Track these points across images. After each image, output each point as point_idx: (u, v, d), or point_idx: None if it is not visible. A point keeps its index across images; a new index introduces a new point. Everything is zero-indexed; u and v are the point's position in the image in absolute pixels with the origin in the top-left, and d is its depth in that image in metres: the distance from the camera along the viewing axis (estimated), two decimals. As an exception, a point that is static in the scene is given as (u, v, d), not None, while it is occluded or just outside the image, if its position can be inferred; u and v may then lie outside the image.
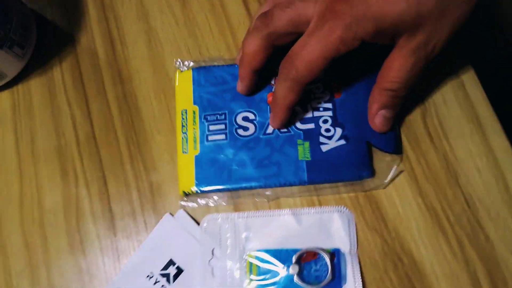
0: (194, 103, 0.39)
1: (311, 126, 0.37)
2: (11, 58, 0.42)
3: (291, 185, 0.36)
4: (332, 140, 0.37)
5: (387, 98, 0.34)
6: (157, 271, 0.37)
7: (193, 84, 0.40)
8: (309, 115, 0.38)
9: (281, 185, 0.37)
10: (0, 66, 0.41)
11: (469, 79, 0.38)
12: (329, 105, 0.38)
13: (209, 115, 0.39)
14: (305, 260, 0.35)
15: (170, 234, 0.38)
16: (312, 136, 0.37)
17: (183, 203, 0.38)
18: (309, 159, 0.36)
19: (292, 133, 0.37)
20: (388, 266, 0.35)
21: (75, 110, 0.43)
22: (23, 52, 0.42)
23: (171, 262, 0.37)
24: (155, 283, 0.37)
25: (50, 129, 0.42)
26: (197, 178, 0.37)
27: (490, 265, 0.34)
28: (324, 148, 0.37)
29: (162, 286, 0.37)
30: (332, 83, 0.38)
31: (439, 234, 0.35)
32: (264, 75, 0.38)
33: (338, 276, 0.35)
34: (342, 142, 0.36)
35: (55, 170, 0.41)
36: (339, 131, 0.37)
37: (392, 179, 0.36)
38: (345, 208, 0.36)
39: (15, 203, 0.41)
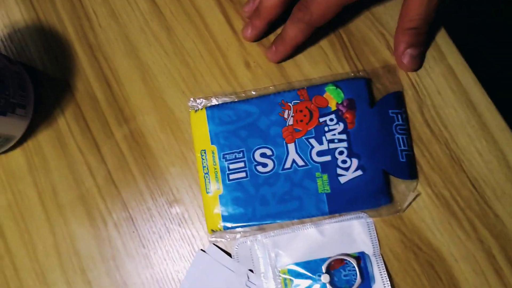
0: (212, 142, 0.41)
1: (327, 158, 0.39)
2: (16, 120, 0.43)
3: (312, 217, 0.39)
4: (349, 171, 0.38)
5: (410, 37, 0.36)
6: (202, 306, 0.40)
7: (208, 123, 0.41)
8: (325, 147, 0.39)
9: (303, 218, 0.39)
10: (8, 131, 0.42)
11: (459, 66, 0.39)
12: (344, 136, 0.39)
13: (228, 153, 0.40)
14: (334, 267, 0.38)
15: (206, 268, 0.40)
16: (330, 168, 0.39)
17: (212, 239, 0.40)
18: (329, 191, 0.38)
19: (310, 166, 0.39)
20: (410, 257, 0.38)
21: (88, 156, 0.44)
22: (25, 111, 0.44)
23: (212, 296, 0.40)
24: (202, 318, 0.40)
25: (69, 179, 0.44)
26: (223, 217, 0.40)
27: (502, 240, 0.37)
28: (342, 179, 0.38)
29: (209, 320, 0.40)
30: (345, 114, 0.39)
31: (451, 219, 0.38)
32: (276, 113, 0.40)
33: (366, 277, 0.38)
34: (359, 172, 0.38)
35: (82, 217, 0.43)
36: (355, 161, 0.38)
37: (409, 204, 0.38)
38: (363, 213, 0.38)
39: (53, 255, 0.43)
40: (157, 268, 0.42)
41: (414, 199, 0.38)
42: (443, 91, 0.39)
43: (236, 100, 0.41)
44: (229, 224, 0.39)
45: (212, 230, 0.40)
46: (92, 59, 0.45)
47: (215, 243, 0.41)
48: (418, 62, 0.38)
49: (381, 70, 0.40)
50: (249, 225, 0.39)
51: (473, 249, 0.37)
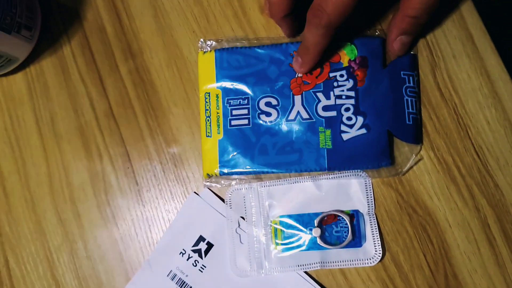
0: (217, 86, 0.40)
1: (333, 113, 0.38)
2: (20, 41, 0.42)
3: (311, 171, 0.38)
4: (353, 129, 0.38)
5: (408, 24, 0.35)
6: (188, 248, 0.40)
7: (216, 67, 0.40)
8: (331, 102, 0.38)
9: (301, 171, 0.38)
10: (11, 50, 0.41)
11: (478, 31, 0.38)
12: (352, 93, 0.38)
13: (232, 99, 0.40)
14: (326, 223, 0.38)
15: (197, 211, 0.40)
16: (334, 124, 0.38)
17: (207, 183, 0.40)
18: (330, 147, 0.38)
19: (314, 120, 0.38)
20: (404, 218, 0.37)
21: (90, 88, 0.43)
22: (31, 34, 0.43)
23: (201, 238, 0.39)
24: (188, 259, 0.39)
25: (69, 109, 0.43)
26: (220, 162, 0.39)
27: (499, 211, 0.36)
28: (345, 136, 0.38)
29: (195, 261, 0.39)
30: (356, 71, 0.38)
31: (450, 185, 0.37)
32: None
33: (358, 235, 0.37)
34: (363, 131, 0.37)
35: (78, 148, 0.43)
36: (360, 119, 0.38)
37: (410, 168, 0.38)
38: (362, 172, 0.38)
39: (45, 183, 0.43)
40: (148, 206, 0.41)
41: (415, 163, 0.38)
42: (459, 55, 0.38)
43: (247, 45, 0.40)
44: (225, 170, 0.39)
45: (208, 175, 0.39)
46: (104, -10, 0.44)
47: (210, 188, 0.40)
48: (406, 49, 0.37)
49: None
50: (245, 173, 0.39)
51: (469, 217, 0.37)
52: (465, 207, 0.37)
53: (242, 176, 0.39)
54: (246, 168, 0.39)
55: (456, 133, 0.38)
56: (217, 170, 0.39)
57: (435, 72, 0.38)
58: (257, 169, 0.38)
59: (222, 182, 0.40)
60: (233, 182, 0.40)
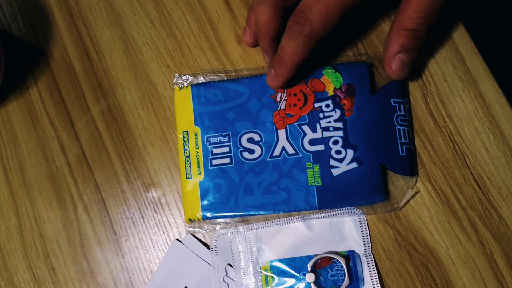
0: (196, 124, 0.37)
1: (320, 147, 0.36)
2: (-17, 86, 0.39)
3: (300, 211, 0.35)
4: (344, 163, 0.35)
5: (406, 39, 0.32)
6: (173, 300, 0.36)
7: (193, 103, 0.37)
8: (318, 135, 0.36)
9: (290, 211, 0.35)
10: (-28, 97, 0.38)
11: (469, 52, 0.36)
12: (340, 125, 0.36)
13: (212, 137, 0.37)
14: (320, 266, 0.35)
15: (181, 260, 0.37)
16: (322, 159, 0.35)
17: (189, 229, 0.37)
18: (320, 184, 0.35)
19: (301, 155, 0.36)
20: (404, 258, 0.35)
21: (60, 132, 0.40)
22: (-6, 77, 0.40)
23: (186, 290, 0.37)
24: (173, 313, 0.36)
25: (38, 155, 0.40)
26: (202, 205, 0.36)
27: (505, 244, 0.34)
28: (335, 172, 0.35)
29: (181, 314, 0.36)
30: (343, 101, 0.36)
31: (451, 219, 0.35)
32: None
33: (355, 278, 0.34)
34: (354, 165, 0.35)
35: (50, 197, 0.40)
36: (350, 153, 0.35)
37: (407, 202, 0.35)
38: (356, 209, 0.35)
39: (15, 237, 0.39)
40: (128, 257, 0.38)
41: (412, 197, 0.35)
42: (450, 78, 0.36)
43: (225, 79, 0.38)
44: (208, 214, 0.36)
45: (190, 220, 0.36)
46: (71, 26, 0.42)
47: (193, 234, 0.37)
48: (407, 70, 0.33)
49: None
50: (230, 216, 0.36)
51: (473, 252, 0.34)
52: (469, 242, 0.34)
53: (227, 220, 0.36)
54: (231, 211, 0.36)
55: (453, 162, 0.35)
56: (199, 215, 0.36)
57: (427, 98, 0.36)
58: (243, 212, 0.36)
59: (206, 227, 0.37)
60: (218, 227, 0.37)
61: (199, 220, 0.36)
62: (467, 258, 0.34)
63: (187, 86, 0.38)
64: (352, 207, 0.35)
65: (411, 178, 0.35)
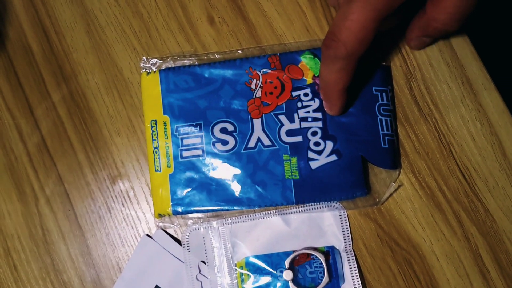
0: (164, 112, 0.34)
1: (298, 139, 0.33)
2: None
3: (277, 205, 0.33)
4: (322, 156, 0.33)
5: (434, 31, 0.30)
6: (142, 301, 0.34)
7: (162, 89, 0.34)
8: (296, 126, 0.33)
9: (265, 206, 0.33)
10: None
11: (456, 37, 0.33)
12: (319, 115, 0.33)
13: (182, 126, 0.34)
14: (299, 263, 0.33)
15: (151, 257, 0.35)
16: (300, 151, 0.33)
17: (159, 224, 0.34)
18: (297, 177, 0.33)
19: (277, 147, 0.33)
20: (386, 253, 0.33)
21: (18, 119, 0.37)
22: None
23: (157, 289, 0.34)
24: (142, 315, 0.34)
25: (-5, 145, 0.37)
26: (173, 200, 0.34)
27: (491, 239, 0.32)
28: (314, 164, 0.33)
29: (151, 316, 0.34)
30: None
31: (435, 212, 0.33)
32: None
33: (335, 276, 0.33)
34: (334, 158, 0.33)
35: (9, 189, 0.37)
36: (330, 145, 0.33)
37: (389, 196, 0.33)
38: (336, 203, 0.33)
39: (-28, 233, 0.37)
40: (95, 253, 0.36)
41: (395, 191, 0.33)
42: (436, 63, 0.34)
43: (196, 63, 0.35)
44: (179, 209, 0.34)
45: (160, 215, 0.34)
46: (28, 3, 0.38)
47: (164, 229, 0.35)
48: (425, 46, 0.33)
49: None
50: (202, 211, 0.34)
51: (458, 248, 0.32)
52: (454, 237, 0.32)
53: (199, 215, 0.34)
54: (203, 206, 0.33)
55: (438, 153, 0.33)
56: (170, 209, 0.34)
57: (411, 84, 0.34)
58: (216, 207, 0.33)
59: (177, 222, 0.35)
60: (190, 222, 0.34)
61: (169, 215, 0.34)
62: (451, 254, 0.32)
63: (155, 71, 0.35)
64: (332, 201, 0.33)
65: (394, 171, 0.33)
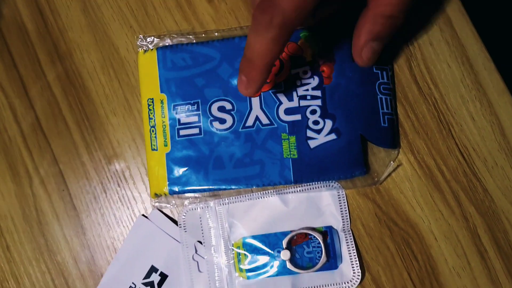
0: (161, 90, 0.34)
1: (297, 117, 0.33)
2: None
3: (275, 185, 0.33)
4: (321, 135, 0.32)
5: (382, 26, 0.27)
6: (139, 281, 0.34)
7: (159, 67, 0.34)
8: (295, 104, 0.33)
9: (263, 186, 0.33)
10: None
11: (457, 15, 0.33)
12: (318, 93, 0.33)
13: (179, 105, 0.34)
14: (296, 243, 0.33)
15: (147, 237, 0.34)
16: (299, 130, 0.32)
17: (155, 204, 0.34)
18: (296, 156, 0.32)
19: (276, 125, 0.33)
20: (384, 233, 0.33)
21: (12, 99, 0.37)
22: None
23: (153, 269, 0.34)
24: (138, 294, 0.34)
25: (-12, 124, 0.37)
26: (169, 179, 0.33)
27: (489, 219, 0.32)
28: (312, 144, 0.32)
29: (147, 295, 0.34)
30: (321, 67, 0.33)
31: (434, 192, 0.33)
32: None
33: (333, 256, 0.32)
34: (333, 136, 0.32)
35: (3, 170, 0.36)
36: (329, 123, 0.32)
37: (388, 176, 0.33)
38: (334, 182, 0.33)
39: (-35, 214, 0.36)
40: (90, 234, 0.35)
41: (393, 170, 0.33)
42: (436, 42, 0.33)
43: (194, 41, 0.35)
44: (176, 188, 0.33)
45: (156, 194, 0.34)
46: (22, -19, 0.37)
47: (160, 209, 0.35)
48: (376, 59, 0.29)
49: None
50: (199, 191, 0.33)
51: (456, 227, 0.32)
52: (452, 217, 0.32)
53: (196, 195, 0.34)
54: (200, 186, 0.33)
55: (437, 132, 0.33)
56: (166, 189, 0.33)
57: (411, 63, 0.33)
58: (213, 186, 0.33)
59: (173, 202, 0.34)
60: (186, 202, 0.34)
61: (165, 195, 0.34)
62: (449, 233, 0.32)
63: (152, 49, 0.35)
64: (330, 181, 0.33)
65: (393, 150, 0.33)
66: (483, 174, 0.32)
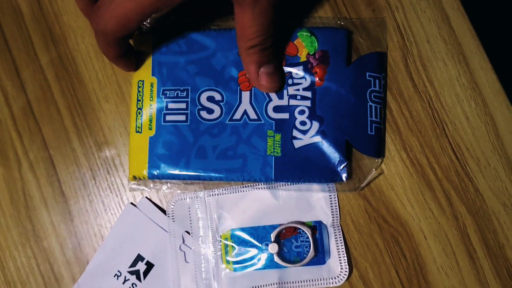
0: (153, 73, 0.34)
1: (285, 116, 0.32)
2: None
3: (255, 181, 0.32)
4: (307, 136, 0.32)
5: (257, 55, 0.30)
6: (125, 269, 0.34)
7: (153, 50, 0.34)
8: (284, 103, 0.32)
9: (244, 181, 0.32)
10: None
11: (455, 13, 0.33)
12: (308, 94, 0.32)
13: (169, 90, 0.33)
14: (285, 236, 0.32)
15: (135, 226, 0.34)
16: (285, 128, 0.32)
17: (133, 186, 0.34)
18: (279, 155, 0.32)
19: (263, 121, 0.32)
20: (373, 230, 0.33)
21: (4, 81, 0.36)
22: None
23: (139, 258, 0.34)
24: (124, 282, 0.33)
25: (-21, 106, 0.36)
26: (150, 162, 0.33)
27: (480, 219, 0.32)
28: (297, 143, 0.32)
29: (133, 284, 0.33)
30: (315, 68, 0.33)
31: (425, 190, 0.32)
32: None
33: (321, 251, 0.32)
34: (318, 138, 0.32)
35: (-8, 153, 0.36)
36: (316, 125, 0.32)
37: (368, 184, 0.33)
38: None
39: (-48, 195, 0.36)
40: (77, 221, 0.35)
41: (374, 178, 0.33)
42: (433, 40, 0.33)
43: (191, 28, 0.34)
44: (155, 172, 0.33)
45: (134, 177, 0.33)
46: (18, -37, 0.37)
47: (134, 191, 0.34)
48: (277, 79, 0.32)
49: (369, 23, 0.33)
50: (178, 177, 0.33)
51: (446, 226, 0.32)
52: (442, 216, 0.32)
53: (174, 181, 0.33)
54: (180, 172, 0.33)
55: (431, 130, 0.33)
56: (145, 172, 0.33)
57: (407, 60, 0.33)
58: (193, 173, 0.32)
59: (151, 185, 0.34)
60: (164, 187, 0.33)
61: (144, 178, 0.33)
62: (439, 232, 0.32)
63: (147, 31, 0.34)
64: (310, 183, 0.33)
65: (377, 159, 0.32)
66: (475, 174, 0.32)
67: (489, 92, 0.32)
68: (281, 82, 0.32)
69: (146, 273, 0.34)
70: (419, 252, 0.32)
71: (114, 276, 0.34)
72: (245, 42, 0.30)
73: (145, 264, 0.34)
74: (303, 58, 0.33)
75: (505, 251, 0.32)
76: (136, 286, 0.33)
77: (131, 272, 0.34)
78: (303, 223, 0.32)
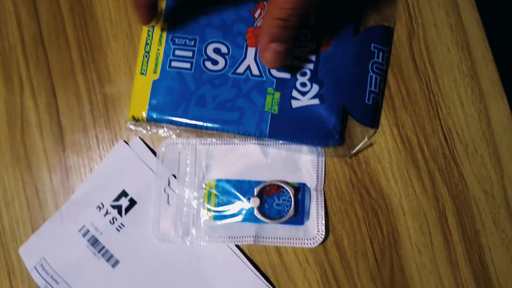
0: (165, 19, 0.34)
1: (287, 75, 0.33)
2: None
3: (249, 135, 0.33)
4: (306, 97, 0.33)
5: (278, 29, 0.29)
6: (108, 202, 0.34)
7: None
8: (288, 62, 0.33)
9: (239, 134, 0.33)
10: None
11: (465, 2, 0.34)
12: (313, 57, 0.33)
13: (178, 37, 0.34)
14: (268, 193, 0.33)
15: (124, 163, 0.34)
16: (285, 87, 0.33)
17: (130, 126, 0.34)
18: (276, 112, 0.33)
19: (264, 78, 0.33)
20: (355, 199, 0.33)
21: (19, 7, 0.37)
22: None
23: (123, 194, 0.34)
24: (105, 215, 0.34)
25: (-9, 27, 0.37)
26: (150, 104, 0.33)
27: (460, 203, 0.32)
28: (295, 104, 0.33)
29: (113, 218, 0.34)
30: (323, 34, 0.33)
31: (411, 168, 0.33)
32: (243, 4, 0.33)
33: (301, 212, 0.33)
34: (316, 101, 0.33)
35: (-3, 74, 0.37)
36: (315, 88, 0.33)
37: (358, 152, 0.33)
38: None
39: (-48, 109, 0.36)
40: (69, 151, 0.36)
41: (365, 148, 0.33)
42: (441, 25, 0.34)
43: None
44: (154, 115, 0.33)
45: (133, 117, 0.34)
46: None
47: (131, 130, 0.34)
48: (282, 60, 0.31)
49: None
50: (175, 123, 0.33)
51: (426, 205, 0.33)
52: (424, 195, 0.33)
53: (171, 126, 0.34)
54: (178, 117, 0.33)
55: (425, 111, 0.33)
56: (145, 113, 0.34)
57: (412, 41, 0.34)
58: (190, 121, 0.33)
59: (148, 128, 0.34)
60: (160, 131, 0.34)
61: (143, 119, 0.34)
62: (418, 210, 0.33)
63: None
64: (303, 145, 0.33)
65: (371, 129, 0.33)
66: (461, 159, 0.33)
67: (487, 81, 0.33)
68: (283, 64, 0.32)
69: (128, 209, 0.34)
70: (396, 227, 0.33)
71: (97, 208, 0.34)
72: (273, 10, 0.29)
73: (129, 200, 0.34)
74: (312, 21, 0.33)
75: (480, 237, 0.32)
76: (116, 220, 0.34)
77: (113, 206, 0.34)
78: (287, 183, 0.33)
